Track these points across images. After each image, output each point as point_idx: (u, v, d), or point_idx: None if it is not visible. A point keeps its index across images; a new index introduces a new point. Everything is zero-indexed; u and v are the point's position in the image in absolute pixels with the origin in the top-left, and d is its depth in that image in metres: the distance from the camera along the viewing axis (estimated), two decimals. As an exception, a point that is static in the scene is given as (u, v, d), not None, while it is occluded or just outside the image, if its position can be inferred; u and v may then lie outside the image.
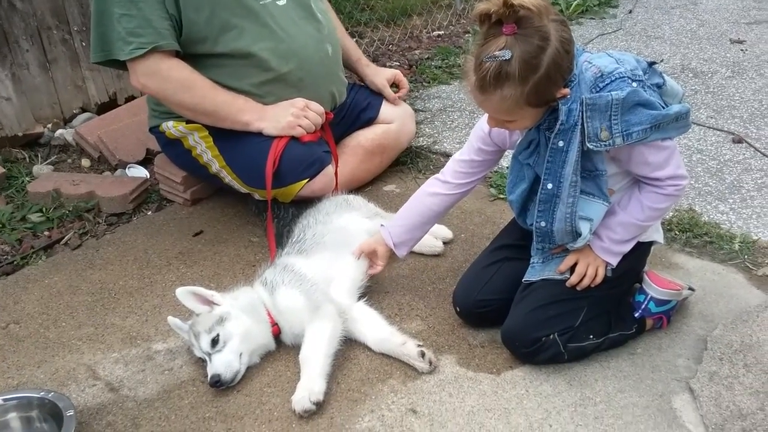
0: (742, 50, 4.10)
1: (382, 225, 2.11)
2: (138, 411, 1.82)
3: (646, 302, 1.94)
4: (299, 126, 2.34)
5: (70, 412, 1.66)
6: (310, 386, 1.77)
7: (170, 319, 1.98)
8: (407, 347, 1.90)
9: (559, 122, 1.64)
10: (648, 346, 1.94)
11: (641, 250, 1.92)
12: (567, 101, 1.62)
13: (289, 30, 2.40)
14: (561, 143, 1.67)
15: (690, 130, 1.84)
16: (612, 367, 1.88)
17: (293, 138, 2.35)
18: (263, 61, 2.34)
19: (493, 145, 1.91)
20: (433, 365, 1.88)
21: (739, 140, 3.05)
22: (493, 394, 1.81)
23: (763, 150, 2.95)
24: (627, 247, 1.83)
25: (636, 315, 1.94)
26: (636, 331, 1.94)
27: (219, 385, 1.82)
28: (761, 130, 3.14)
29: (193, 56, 2.32)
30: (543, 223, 1.80)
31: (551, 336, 1.81)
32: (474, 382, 1.85)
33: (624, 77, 1.63)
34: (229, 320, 1.88)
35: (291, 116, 2.33)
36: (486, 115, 1.77)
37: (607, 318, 1.90)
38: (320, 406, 1.76)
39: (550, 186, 1.74)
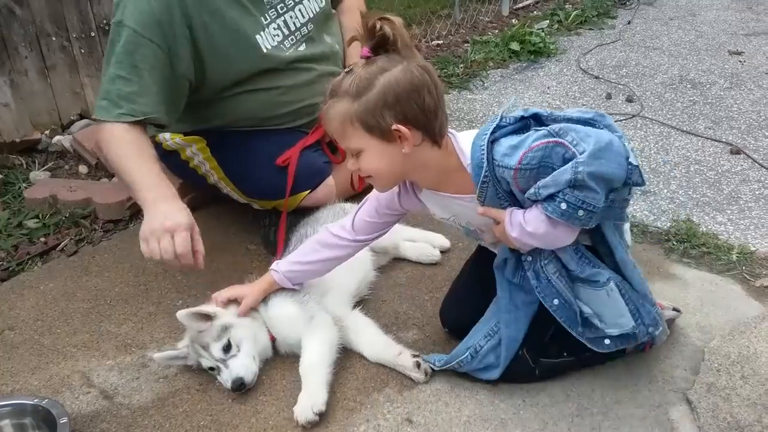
0: (740, 61, 4.11)
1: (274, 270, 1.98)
2: (132, 419, 1.80)
3: None
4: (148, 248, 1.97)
5: (64, 420, 1.65)
6: (312, 397, 1.76)
7: (157, 355, 1.93)
8: (402, 358, 1.89)
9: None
10: (646, 357, 1.93)
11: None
12: None
13: (309, 73, 2.40)
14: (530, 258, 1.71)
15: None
16: (609, 378, 1.87)
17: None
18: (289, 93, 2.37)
19: (400, 210, 1.88)
20: (428, 375, 1.87)
21: (737, 151, 3.05)
22: (490, 404, 1.80)
23: (761, 161, 2.96)
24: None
25: None
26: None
27: (242, 387, 1.82)
28: (759, 141, 3.14)
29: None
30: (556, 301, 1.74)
31: (519, 351, 1.79)
32: (470, 392, 1.84)
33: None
34: (234, 327, 1.88)
35: (149, 232, 1.95)
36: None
37: None
38: (323, 416, 1.75)
39: (556, 302, 1.72)
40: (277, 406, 1.82)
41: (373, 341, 1.95)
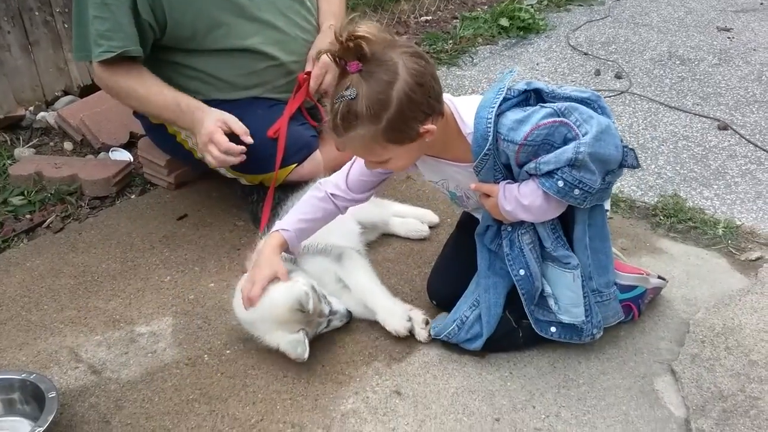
0: (729, 38, 4.11)
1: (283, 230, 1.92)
2: (121, 393, 1.81)
3: None
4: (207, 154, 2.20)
5: (52, 394, 1.65)
6: (393, 311, 1.92)
7: (297, 355, 1.81)
8: (414, 313, 1.93)
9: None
10: (631, 328, 1.95)
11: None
12: None
13: (278, 22, 2.37)
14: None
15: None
16: (595, 350, 1.89)
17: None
18: (259, 53, 2.33)
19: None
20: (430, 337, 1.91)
21: (724, 127, 3.06)
22: (478, 375, 1.82)
23: (747, 137, 2.97)
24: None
25: None
26: None
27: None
28: (746, 117, 3.15)
29: (183, 50, 2.30)
30: (522, 272, 1.76)
31: (502, 315, 1.82)
32: (458, 364, 1.86)
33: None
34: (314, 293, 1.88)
35: (200, 144, 2.20)
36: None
37: None
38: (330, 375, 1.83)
39: (522, 272, 1.75)
40: (266, 380, 1.83)
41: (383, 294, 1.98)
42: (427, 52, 3.96)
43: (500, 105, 1.62)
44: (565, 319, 1.77)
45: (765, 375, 1.78)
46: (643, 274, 1.93)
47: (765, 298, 2.04)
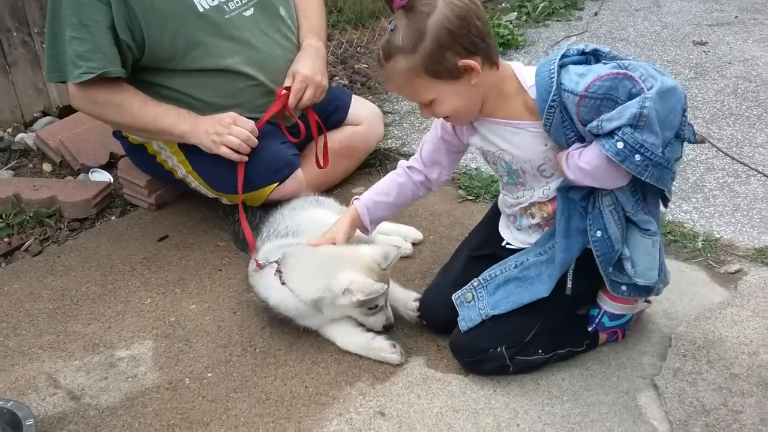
0: (704, 52, 4.17)
1: (356, 198, 2.02)
2: (100, 419, 1.78)
3: (599, 317, 1.91)
4: (224, 145, 2.24)
5: (30, 422, 1.62)
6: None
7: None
8: (377, 341, 1.91)
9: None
10: (614, 343, 1.96)
11: None
12: None
13: (257, 42, 2.37)
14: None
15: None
16: (578, 366, 1.89)
17: (263, 140, 2.32)
18: (237, 73, 2.33)
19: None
20: (403, 356, 1.90)
21: (701, 140, 3.10)
22: (462, 394, 1.81)
23: (725, 150, 3.01)
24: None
25: (589, 329, 1.92)
26: (586, 347, 1.91)
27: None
28: (723, 130, 3.19)
29: (161, 71, 2.30)
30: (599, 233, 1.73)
31: (498, 349, 1.80)
32: (442, 383, 1.85)
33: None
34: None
35: (215, 135, 2.24)
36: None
37: (558, 335, 1.87)
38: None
39: (599, 234, 1.73)
40: (248, 402, 1.81)
41: (349, 330, 1.96)
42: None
43: (561, 59, 1.63)
44: (640, 281, 1.76)
45: (747, 388, 1.79)
46: (632, 303, 1.91)
47: (745, 310, 2.06)
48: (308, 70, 2.38)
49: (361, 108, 2.79)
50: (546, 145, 1.71)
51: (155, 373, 1.92)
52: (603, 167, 1.59)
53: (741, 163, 2.89)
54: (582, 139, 1.65)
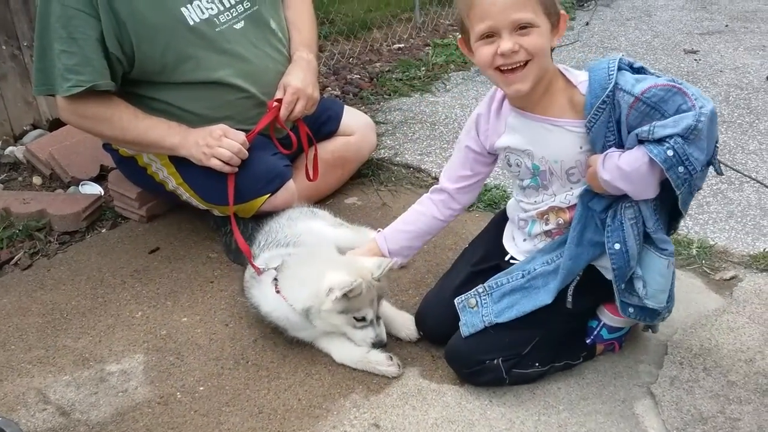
0: (695, 60, 4.19)
1: (379, 230, 2.06)
2: (90, 435, 1.75)
3: (598, 329, 1.90)
4: (214, 157, 2.23)
5: (18, 439, 1.59)
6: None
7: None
8: (372, 355, 1.89)
9: None
10: (610, 353, 1.94)
11: (609, 289, 1.81)
12: None
13: (248, 54, 2.36)
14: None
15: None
16: (575, 375, 1.87)
17: (255, 152, 2.30)
18: (229, 85, 2.32)
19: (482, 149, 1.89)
20: (401, 368, 1.88)
21: (722, 173, 3.09)
22: (457, 405, 1.79)
23: (717, 157, 3.00)
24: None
25: (587, 341, 1.91)
26: (583, 359, 1.90)
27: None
28: (715, 138, 3.20)
29: (151, 83, 2.28)
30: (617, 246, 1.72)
31: (495, 361, 1.78)
32: (437, 394, 1.83)
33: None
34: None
35: (205, 147, 2.23)
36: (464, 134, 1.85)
37: (556, 347, 1.86)
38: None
39: (617, 246, 1.71)
40: (241, 416, 1.78)
41: (344, 343, 1.93)
42: (400, 80, 4.00)
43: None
44: (650, 303, 1.74)
45: (744, 396, 1.78)
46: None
47: (740, 317, 2.05)
48: (299, 83, 2.37)
49: (353, 118, 2.79)
50: (581, 147, 1.71)
51: (146, 387, 1.89)
52: (643, 172, 1.59)
53: (734, 170, 2.89)
54: (618, 146, 1.65)
